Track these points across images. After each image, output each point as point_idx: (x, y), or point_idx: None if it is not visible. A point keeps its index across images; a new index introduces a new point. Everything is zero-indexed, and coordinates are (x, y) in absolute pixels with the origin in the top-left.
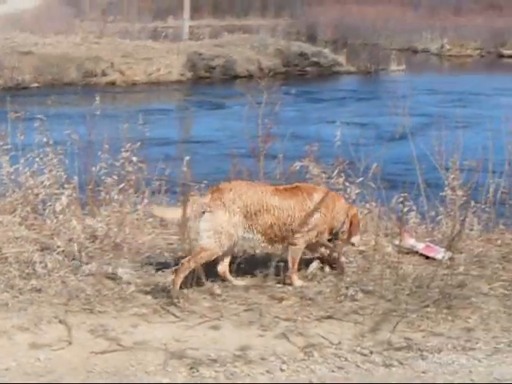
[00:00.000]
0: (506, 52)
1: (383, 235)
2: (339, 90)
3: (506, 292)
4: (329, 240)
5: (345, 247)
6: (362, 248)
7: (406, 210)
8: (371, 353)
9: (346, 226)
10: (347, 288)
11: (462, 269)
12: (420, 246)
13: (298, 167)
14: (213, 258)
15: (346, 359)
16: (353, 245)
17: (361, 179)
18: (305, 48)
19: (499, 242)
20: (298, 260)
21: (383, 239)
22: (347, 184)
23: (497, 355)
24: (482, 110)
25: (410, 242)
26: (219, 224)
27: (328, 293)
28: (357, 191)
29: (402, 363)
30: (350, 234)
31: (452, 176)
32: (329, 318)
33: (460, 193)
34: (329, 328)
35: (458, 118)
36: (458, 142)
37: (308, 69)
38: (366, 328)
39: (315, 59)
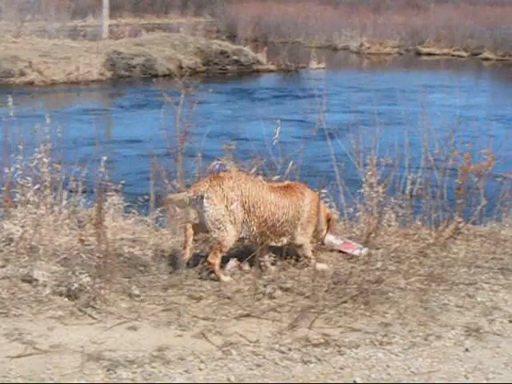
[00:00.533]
0: (424, 50)
1: None
2: (260, 89)
3: (423, 286)
4: None
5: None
6: (279, 245)
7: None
8: (289, 350)
9: (323, 225)
10: (265, 286)
11: (379, 264)
12: (338, 243)
13: (216, 166)
14: (231, 245)
15: (264, 357)
16: (323, 244)
17: (278, 177)
18: (225, 46)
19: (416, 236)
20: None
21: None
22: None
23: (413, 349)
24: (401, 106)
25: (328, 238)
26: (221, 213)
27: (246, 291)
28: None
29: (319, 359)
30: (327, 232)
31: (369, 173)
32: (247, 316)
33: (377, 189)
34: (247, 326)
35: (379, 114)
36: (375, 139)
37: (228, 67)
38: (284, 325)
39: (236, 58)
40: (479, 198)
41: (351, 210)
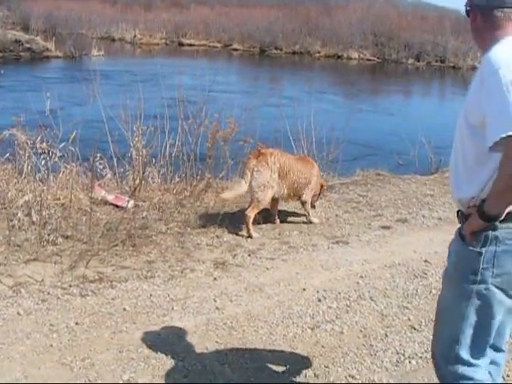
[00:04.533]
0: (186, 41)
1: (80, 189)
2: (48, 71)
3: (180, 230)
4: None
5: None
6: (62, 201)
7: (101, 167)
8: (70, 286)
9: (318, 189)
10: (49, 235)
11: (144, 214)
12: (110, 197)
13: (7, 135)
14: (266, 204)
15: (49, 293)
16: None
17: (63, 144)
18: (19, 36)
19: (175, 190)
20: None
21: (80, 193)
22: (49, 148)
23: (172, 281)
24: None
25: (101, 193)
26: (266, 180)
27: (33, 239)
28: (59, 154)
29: (95, 293)
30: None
31: (136, 139)
32: (34, 260)
33: (143, 152)
34: (34, 269)
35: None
36: (140, 110)
37: (22, 54)
38: (65, 266)
39: (28, 46)
40: (226, 157)
41: (121, 169)
